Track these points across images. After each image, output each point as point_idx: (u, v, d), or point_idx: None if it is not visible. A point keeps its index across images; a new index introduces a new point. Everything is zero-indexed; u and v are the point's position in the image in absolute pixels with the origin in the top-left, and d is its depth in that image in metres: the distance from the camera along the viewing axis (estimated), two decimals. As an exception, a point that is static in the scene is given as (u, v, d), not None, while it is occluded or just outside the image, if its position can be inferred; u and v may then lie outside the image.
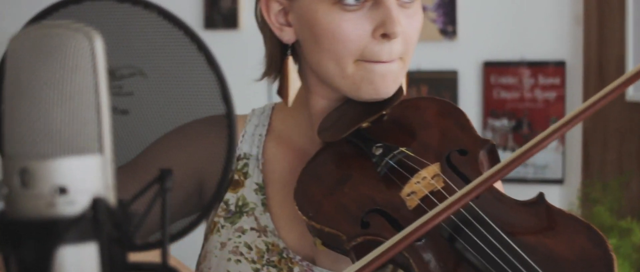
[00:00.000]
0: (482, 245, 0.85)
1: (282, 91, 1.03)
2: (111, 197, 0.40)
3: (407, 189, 0.92)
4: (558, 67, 2.79)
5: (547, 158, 2.81)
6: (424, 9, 2.89)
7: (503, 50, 2.83)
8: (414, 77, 2.90)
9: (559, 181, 2.80)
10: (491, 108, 2.86)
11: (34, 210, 0.39)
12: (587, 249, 0.83)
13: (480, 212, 0.87)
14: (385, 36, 0.96)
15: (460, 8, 2.85)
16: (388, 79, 0.98)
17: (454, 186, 0.90)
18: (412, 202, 0.91)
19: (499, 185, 1.04)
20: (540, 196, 0.90)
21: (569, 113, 0.85)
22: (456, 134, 0.98)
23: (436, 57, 2.87)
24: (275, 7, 1.02)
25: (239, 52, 3.07)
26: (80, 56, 0.40)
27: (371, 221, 0.90)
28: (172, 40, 0.51)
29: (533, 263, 0.82)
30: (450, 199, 0.81)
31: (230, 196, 1.07)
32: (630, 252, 2.09)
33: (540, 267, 0.82)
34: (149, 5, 0.49)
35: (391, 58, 0.97)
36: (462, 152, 0.96)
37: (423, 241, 0.87)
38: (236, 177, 1.08)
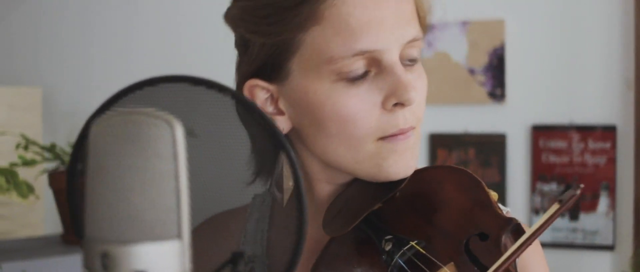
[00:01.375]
0: None
1: (278, 187, 0.92)
2: (190, 284, 0.41)
3: None
4: (608, 132, 2.76)
5: (597, 223, 2.75)
6: (473, 72, 2.93)
7: (552, 113, 2.81)
8: (462, 140, 2.89)
9: (609, 248, 2.74)
10: (540, 172, 2.83)
11: (113, 294, 0.40)
12: None
13: None
14: (399, 105, 0.86)
15: (508, 71, 2.85)
16: (409, 154, 0.89)
17: None
18: None
19: (538, 252, 0.95)
20: None
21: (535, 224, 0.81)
22: (476, 214, 0.88)
23: (484, 120, 2.87)
24: (262, 95, 0.90)
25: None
26: (161, 143, 0.41)
27: None
28: (240, 122, 0.52)
29: None
30: None
31: None
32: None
33: None
34: (223, 89, 0.50)
35: (408, 125, 0.87)
36: (482, 237, 0.86)
37: None
38: None
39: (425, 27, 0.91)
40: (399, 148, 0.87)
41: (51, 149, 2.17)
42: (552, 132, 2.81)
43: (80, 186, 0.52)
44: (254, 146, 0.78)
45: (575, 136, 2.79)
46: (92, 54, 3.43)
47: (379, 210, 0.90)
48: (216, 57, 3.19)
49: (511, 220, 0.86)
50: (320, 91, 0.85)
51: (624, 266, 2.60)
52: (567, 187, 2.78)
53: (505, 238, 0.85)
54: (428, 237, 0.87)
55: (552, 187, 2.81)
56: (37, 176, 2.28)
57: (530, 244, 0.78)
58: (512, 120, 2.85)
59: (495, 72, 2.86)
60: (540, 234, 0.79)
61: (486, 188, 0.89)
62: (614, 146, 2.75)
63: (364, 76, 0.85)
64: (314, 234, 0.94)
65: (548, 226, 0.79)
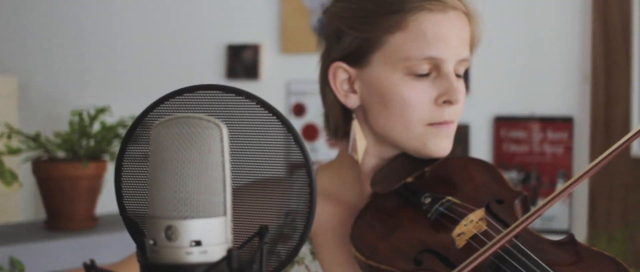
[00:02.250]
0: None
1: (353, 149, 1.16)
2: (236, 250, 0.52)
3: (457, 230, 1.03)
4: (566, 123, 2.92)
5: (554, 210, 2.91)
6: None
7: (513, 105, 2.96)
8: (428, 130, 3.03)
9: (565, 232, 2.90)
10: (501, 161, 2.98)
11: (175, 257, 0.52)
12: None
13: (522, 246, 0.99)
14: (448, 103, 1.11)
15: (473, 65, 2.99)
16: (447, 140, 1.13)
17: (498, 226, 1.02)
18: (461, 241, 1.02)
19: None
20: (571, 236, 1.02)
21: (590, 164, 1.00)
22: (493, 187, 1.10)
23: (449, 111, 3.00)
24: (342, 75, 1.15)
25: (260, 102, 3.21)
26: (212, 141, 0.52)
27: (424, 259, 1.01)
28: (267, 123, 0.64)
29: None
30: (498, 236, 0.95)
31: (281, 248, 1.18)
32: (635, 302, 2.18)
33: None
34: (250, 96, 0.62)
35: (451, 119, 1.12)
36: (499, 202, 1.08)
37: None
38: (286, 231, 1.20)
39: (474, 51, 1.20)
40: (441, 133, 1.12)
41: (36, 138, 2.24)
42: (514, 122, 2.96)
43: (129, 171, 0.63)
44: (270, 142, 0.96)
45: (535, 127, 2.94)
46: (67, 42, 3.49)
47: (413, 183, 1.14)
48: (190, 45, 3.29)
49: (521, 192, 1.10)
50: (392, 80, 1.11)
51: (579, 249, 2.76)
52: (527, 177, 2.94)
53: (516, 204, 1.08)
54: (459, 198, 1.09)
55: (512, 175, 2.96)
56: (20, 164, 2.35)
57: (550, 205, 1.00)
58: (475, 112, 2.99)
59: (460, 66, 2.99)
60: (558, 199, 1.00)
61: (499, 170, 1.14)
62: (570, 136, 2.91)
63: (426, 75, 1.11)
64: (353, 200, 1.18)
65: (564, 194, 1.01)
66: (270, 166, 0.64)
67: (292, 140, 0.60)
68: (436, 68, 1.11)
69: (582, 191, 2.90)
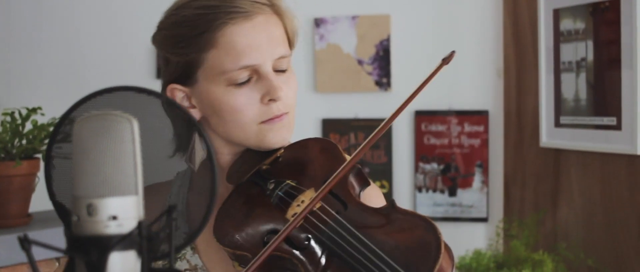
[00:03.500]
0: (345, 244, 1.10)
1: (191, 159, 1.25)
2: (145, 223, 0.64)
3: (290, 212, 1.17)
4: (482, 116, 3.09)
5: (473, 198, 3.09)
6: (361, 62, 3.20)
7: (433, 100, 3.11)
8: (352, 125, 3.16)
9: (484, 219, 3.08)
10: (422, 153, 3.14)
11: (95, 230, 0.63)
12: (423, 236, 1.08)
13: (342, 219, 1.13)
14: (272, 100, 1.22)
15: (394, 62, 3.14)
16: (284, 130, 1.25)
17: (325, 205, 1.16)
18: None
19: (376, 197, 1.30)
20: (390, 202, 1.15)
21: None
22: (332, 164, 1.23)
23: (372, 106, 3.15)
24: (179, 94, 1.27)
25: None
26: (125, 133, 0.63)
27: (270, 240, 1.14)
28: (174, 118, 0.75)
29: (382, 253, 1.07)
30: (312, 197, 1.12)
31: (165, 247, 1.30)
32: (542, 282, 2.35)
33: (388, 256, 1.07)
34: (158, 95, 0.73)
35: (281, 112, 1.23)
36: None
37: (304, 249, 1.12)
38: (167, 230, 1.33)
39: (294, 44, 1.30)
40: (275, 127, 1.25)
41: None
42: (433, 117, 3.12)
43: (56, 161, 0.74)
44: (175, 132, 1.16)
45: (453, 120, 3.11)
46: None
47: (266, 169, 1.27)
48: (119, 46, 3.34)
49: (356, 166, 1.22)
50: (217, 92, 1.22)
51: (493, 234, 2.94)
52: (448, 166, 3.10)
53: (351, 178, 1.22)
54: (299, 180, 1.23)
55: (433, 166, 3.12)
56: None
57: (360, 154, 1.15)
58: (396, 107, 3.12)
59: (381, 63, 3.14)
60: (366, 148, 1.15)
61: (339, 148, 1.26)
62: (486, 129, 3.08)
63: (247, 81, 1.22)
64: (222, 192, 1.29)
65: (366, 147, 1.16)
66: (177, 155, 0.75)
67: (196, 132, 0.71)
68: (255, 73, 1.21)
69: (497, 181, 3.07)
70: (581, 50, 2.65)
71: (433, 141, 3.12)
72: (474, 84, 3.10)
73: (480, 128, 3.09)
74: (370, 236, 1.10)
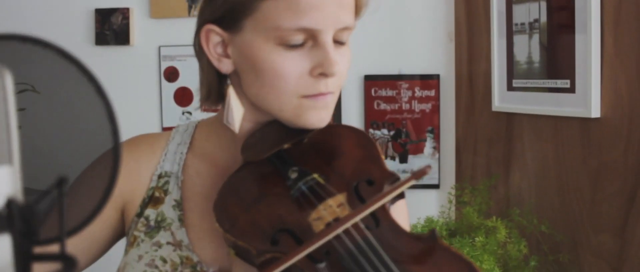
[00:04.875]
0: (370, 269, 0.92)
1: (229, 118, 1.09)
2: (20, 200, 0.52)
3: (314, 215, 0.99)
4: (433, 80, 3.00)
5: (424, 164, 3.00)
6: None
7: (382, 65, 3.02)
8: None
9: (435, 186, 3.01)
10: (372, 119, 3.05)
11: (-42, 209, 0.50)
12: None
13: (373, 240, 0.95)
14: (323, 75, 1.04)
15: (342, 25, 3.02)
16: (324, 111, 1.08)
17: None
18: (317, 227, 0.97)
19: (404, 216, 1.14)
20: (433, 232, 0.96)
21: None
22: (367, 165, 1.06)
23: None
24: (215, 38, 1.08)
25: (131, 68, 3.15)
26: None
27: (280, 239, 0.97)
28: (66, 74, 0.62)
29: None
30: (343, 220, 0.92)
31: (150, 212, 1.13)
32: (496, 249, 2.29)
33: None
34: (48, 45, 0.60)
35: (328, 91, 1.06)
36: (369, 183, 1.03)
37: (324, 264, 0.94)
38: (157, 194, 1.14)
39: (360, 15, 1.12)
40: (317, 105, 1.07)
41: None
42: (383, 81, 3.02)
43: None
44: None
45: (404, 85, 3.02)
46: None
47: (288, 150, 1.08)
48: (56, 10, 3.17)
49: (393, 174, 1.05)
50: (263, 49, 1.03)
51: (445, 201, 2.87)
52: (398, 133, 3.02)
53: (386, 186, 1.03)
54: (327, 176, 1.04)
55: (383, 132, 3.04)
56: None
57: (393, 193, 0.97)
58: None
59: (329, 27, 3.02)
60: (400, 188, 0.97)
61: (378, 148, 1.09)
62: (438, 94, 3.00)
63: (301, 45, 1.04)
64: (228, 163, 1.13)
65: (406, 185, 0.97)
66: (77, 121, 0.63)
67: (94, 91, 0.59)
68: (312, 38, 1.04)
69: (449, 147, 3.00)
70: (534, 12, 2.57)
71: (383, 106, 3.03)
72: (424, 48, 3.01)
73: (431, 93, 3.00)
74: (401, 266, 0.92)
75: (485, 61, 2.80)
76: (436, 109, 3.01)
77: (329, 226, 0.96)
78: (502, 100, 2.73)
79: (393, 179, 1.05)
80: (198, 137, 1.19)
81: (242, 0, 1.04)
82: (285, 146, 1.08)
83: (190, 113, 3.13)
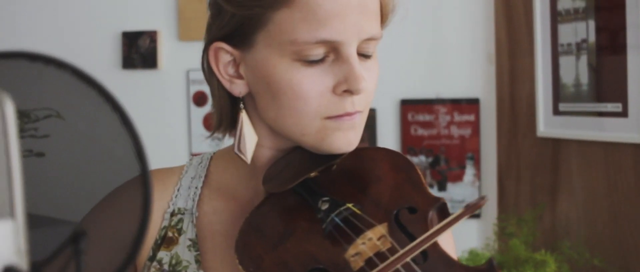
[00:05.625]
0: None
1: (240, 147, 0.98)
2: (23, 264, 0.40)
3: (351, 251, 0.87)
4: (472, 104, 2.87)
5: (464, 192, 2.87)
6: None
7: (419, 88, 2.90)
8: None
9: (476, 215, 2.87)
10: (409, 145, 2.92)
11: (-59, 278, 0.39)
12: None
13: None
14: (348, 92, 0.93)
15: (378, 48, 2.90)
16: (352, 133, 0.96)
17: (399, 248, 0.86)
18: (356, 264, 0.86)
19: (451, 246, 1.02)
20: (490, 262, 0.84)
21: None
22: (407, 190, 0.94)
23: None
24: (225, 57, 0.97)
25: (159, 92, 3.06)
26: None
27: None
28: (86, 99, 0.51)
29: None
30: (390, 259, 0.79)
31: (164, 255, 1.02)
32: (545, 284, 2.15)
33: None
34: (62, 65, 0.49)
35: (354, 110, 0.94)
36: (411, 211, 0.92)
37: None
38: (170, 234, 1.02)
39: (386, 25, 1.01)
40: (343, 127, 0.95)
41: None
42: (420, 105, 2.90)
43: None
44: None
45: (442, 109, 2.89)
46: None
47: (315, 178, 0.96)
48: (83, 33, 3.09)
49: (439, 199, 0.92)
50: (279, 66, 0.92)
51: (488, 233, 2.73)
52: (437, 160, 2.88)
53: (432, 214, 0.91)
54: (362, 205, 0.92)
55: (421, 159, 2.91)
56: None
57: (447, 227, 0.83)
58: (381, 96, 2.90)
59: (364, 49, 2.91)
60: (460, 219, 0.84)
61: (418, 170, 0.96)
62: (477, 118, 2.87)
63: (321, 60, 0.92)
64: (249, 197, 1.01)
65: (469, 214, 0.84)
66: (88, 149, 0.52)
67: (118, 119, 0.48)
68: (333, 51, 0.92)
69: (490, 174, 2.86)
70: (581, 31, 2.44)
71: (420, 131, 2.90)
72: (463, 70, 2.89)
73: (471, 117, 2.87)
74: None
75: (529, 84, 2.67)
76: (476, 134, 2.87)
77: (370, 263, 0.85)
78: (547, 125, 2.59)
79: (439, 204, 0.93)
80: (214, 170, 1.07)
81: (253, 12, 0.92)
82: (312, 174, 0.97)
83: (220, 139, 3.03)
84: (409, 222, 0.90)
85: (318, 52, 0.91)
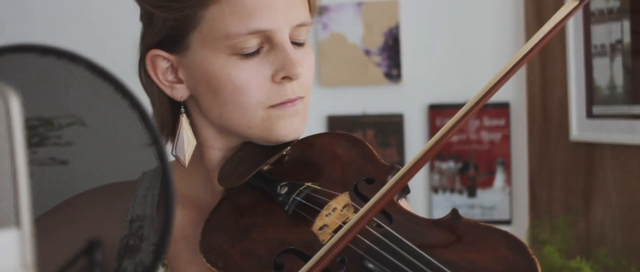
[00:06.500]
0: (405, 267, 0.81)
1: (178, 150, 0.99)
2: (29, 279, 0.35)
3: (318, 223, 0.89)
4: (502, 109, 2.81)
5: (494, 199, 2.81)
6: (368, 52, 2.92)
7: (447, 93, 2.84)
8: (360, 121, 2.89)
9: (507, 222, 2.80)
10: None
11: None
12: (510, 257, 0.81)
13: (396, 233, 0.85)
14: (287, 78, 0.95)
15: (404, 52, 2.86)
16: (297, 119, 0.98)
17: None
18: (325, 235, 0.88)
19: (410, 210, 1.02)
20: (454, 211, 0.88)
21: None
22: (361, 164, 0.97)
23: (382, 101, 2.87)
24: (163, 64, 0.97)
25: (182, 99, 3.03)
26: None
27: (285, 262, 0.87)
28: (102, 95, 0.46)
29: None
30: (355, 218, 0.80)
31: (128, 264, 1.00)
32: (581, 293, 2.08)
33: None
34: (75, 58, 0.45)
35: (295, 96, 0.96)
36: (369, 181, 0.95)
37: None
38: (131, 242, 1.01)
39: (314, 11, 1.01)
40: (287, 114, 0.96)
41: None
42: (448, 110, 2.84)
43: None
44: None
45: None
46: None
47: (269, 170, 0.98)
48: (107, 41, 3.08)
49: (393, 166, 0.96)
50: (216, 63, 0.94)
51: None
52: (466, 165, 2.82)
53: (389, 179, 0.92)
54: (320, 184, 0.94)
55: (450, 165, 2.85)
56: None
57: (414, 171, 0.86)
58: (409, 100, 2.87)
59: (391, 53, 2.86)
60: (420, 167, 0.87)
61: (369, 146, 0.99)
62: (507, 123, 2.81)
63: (256, 52, 0.94)
64: (208, 200, 1.01)
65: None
66: (109, 154, 0.48)
67: (137, 117, 0.44)
68: (267, 41, 0.95)
69: (521, 180, 2.80)
70: (616, 32, 2.37)
71: (449, 137, 2.84)
72: (492, 73, 2.82)
73: (501, 122, 2.81)
74: (439, 258, 0.81)
75: (561, 86, 2.61)
76: (506, 139, 2.81)
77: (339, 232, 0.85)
78: (581, 129, 2.52)
79: (394, 171, 0.96)
80: None
81: (183, 13, 0.93)
82: (265, 167, 0.99)
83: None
84: (368, 192, 0.92)
85: (252, 43, 0.93)
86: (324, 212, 0.90)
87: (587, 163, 2.54)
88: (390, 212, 0.90)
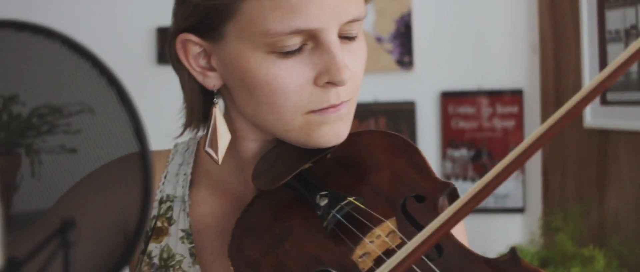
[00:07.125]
0: None
1: (212, 146, 0.89)
2: (-5, 257, 0.34)
3: (359, 251, 0.80)
4: (515, 96, 2.79)
5: (507, 187, 2.78)
6: (380, 40, 2.90)
7: (460, 79, 2.82)
8: (371, 109, 2.87)
9: (520, 210, 2.78)
10: (450, 138, 2.84)
11: None
12: None
13: (437, 270, 0.76)
14: (331, 84, 0.84)
15: (416, 38, 2.84)
16: (340, 124, 0.87)
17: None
18: (365, 264, 0.79)
19: (462, 236, 0.93)
20: (513, 252, 0.77)
21: (525, 140, 0.75)
22: (411, 176, 0.87)
23: (393, 88, 2.85)
24: (194, 49, 0.88)
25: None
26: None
27: None
28: (80, 73, 0.45)
29: None
30: (403, 251, 0.68)
31: (153, 247, 0.94)
32: (594, 281, 2.06)
33: None
34: (51, 34, 0.43)
35: (340, 101, 0.86)
36: (419, 199, 0.85)
37: None
38: (159, 224, 0.94)
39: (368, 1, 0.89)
40: (329, 120, 0.86)
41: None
42: (461, 98, 2.82)
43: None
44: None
45: (484, 101, 2.81)
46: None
47: (309, 170, 0.88)
48: (118, 29, 3.08)
49: (448, 184, 0.84)
50: (252, 60, 0.83)
51: (533, 228, 2.64)
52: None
53: (442, 201, 0.83)
54: (362, 196, 0.84)
55: (462, 152, 2.83)
56: None
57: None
58: (421, 88, 2.85)
59: (402, 40, 2.84)
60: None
61: (422, 153, 0.88)
62: (521, 110, 2.78)
63: (298, 50, 0.83)
64: (240, 189, 0.93)
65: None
66: (94, 142, 0.47)
67: (114, 95, 0.42)
68: (311, 39, 0.83)
69: (534, 167, 2.77)
70: (630, 17, 2.33)
71: (462, 124, 2.82)
72: (505, 60, 2.80)
73: (514, 109, 2.78)
74: None
75: (575, 73, 2.57)
76: (519, 127, 2.78)
77: (379, 263, 0.77)
78: (594, 116, 2.49)
79: (449, 190, 0.85)
80: (202, 158, 0.98)
81: (219, 2, 0.83)
82: (306, 165, 0.89)
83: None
84: (417, 212, 0.83)
85: (294, 42, 0.83)
86: (366, 239, 0.80)
87: (600, 150, 2.51)
88: (442, 243, 0.79)
